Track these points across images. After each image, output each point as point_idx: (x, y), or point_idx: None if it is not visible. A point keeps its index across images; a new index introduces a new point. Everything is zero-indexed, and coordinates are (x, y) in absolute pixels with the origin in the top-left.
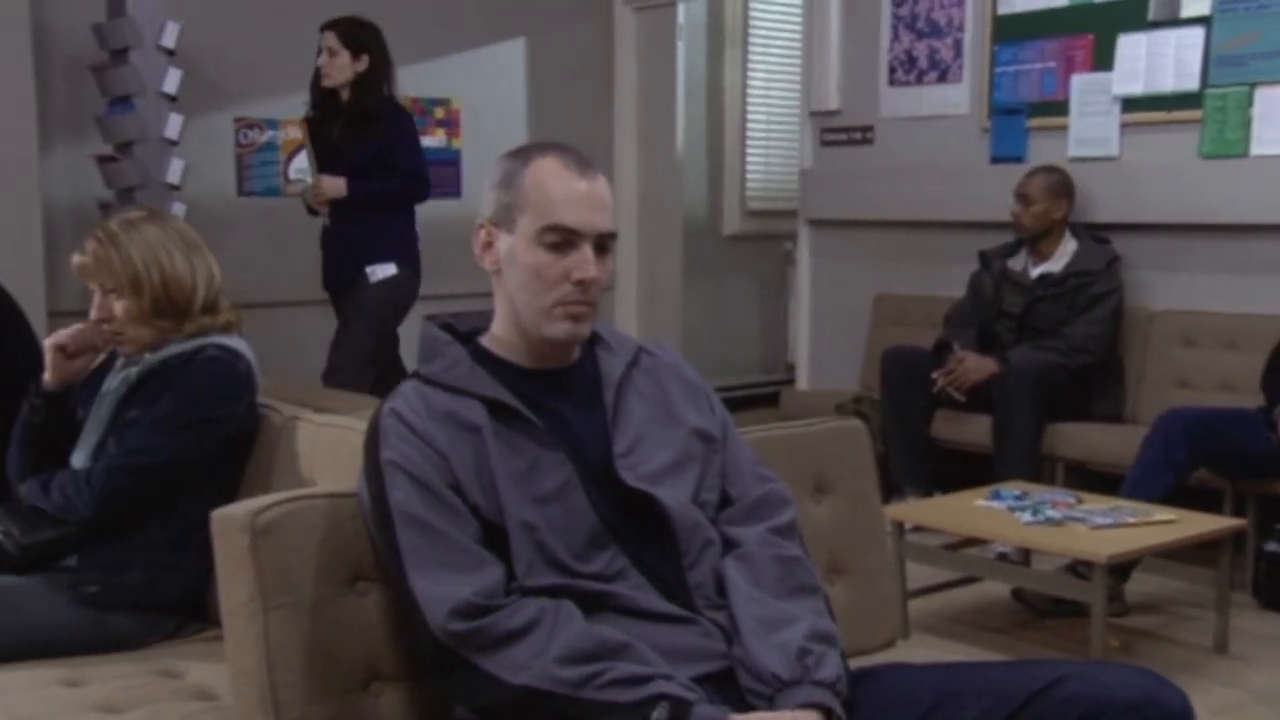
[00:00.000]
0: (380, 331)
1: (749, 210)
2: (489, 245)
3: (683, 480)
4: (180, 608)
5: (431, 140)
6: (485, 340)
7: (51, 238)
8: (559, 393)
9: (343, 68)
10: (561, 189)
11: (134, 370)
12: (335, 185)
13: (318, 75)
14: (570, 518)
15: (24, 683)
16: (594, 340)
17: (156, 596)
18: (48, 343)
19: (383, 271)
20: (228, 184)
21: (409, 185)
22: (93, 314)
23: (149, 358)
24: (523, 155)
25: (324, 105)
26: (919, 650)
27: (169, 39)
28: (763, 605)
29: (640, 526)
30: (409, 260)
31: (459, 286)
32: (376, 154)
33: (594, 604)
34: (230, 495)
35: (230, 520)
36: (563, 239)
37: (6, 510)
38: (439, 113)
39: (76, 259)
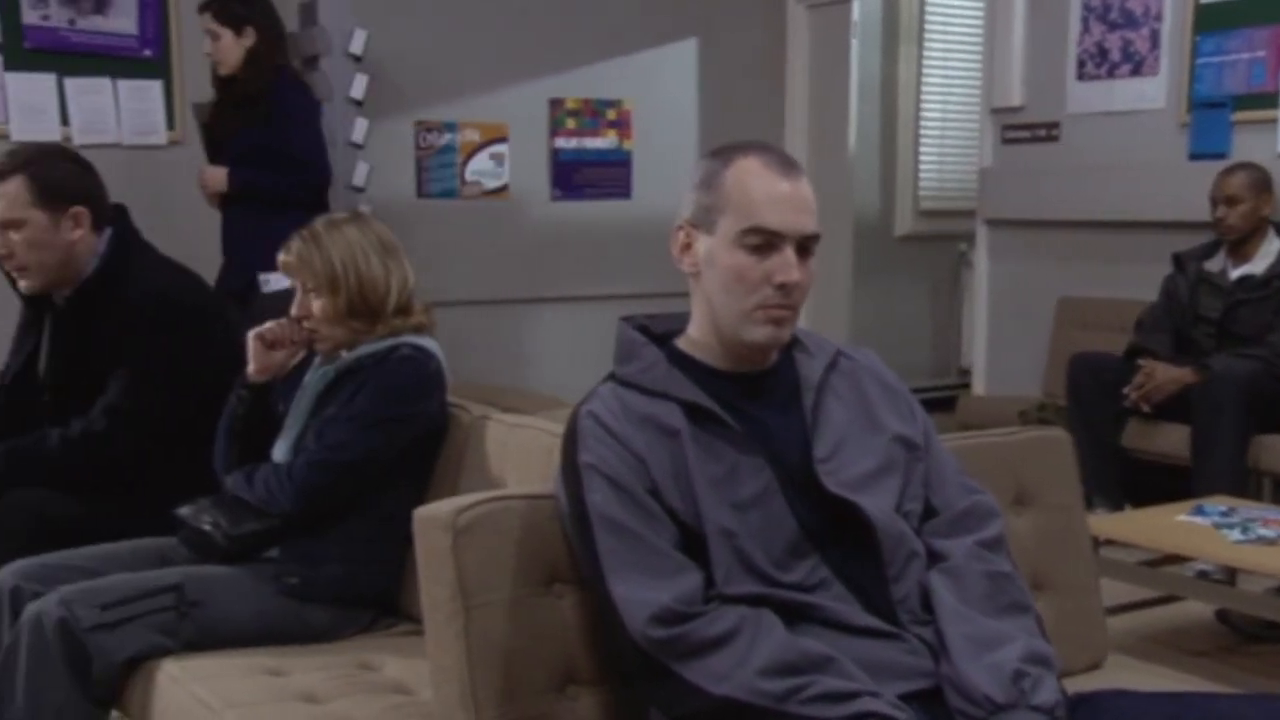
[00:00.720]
0: None
1: (921, 210)
2: (688, 247)
3: (885, 488)
4: (375, 602)
5: (603, 141)
6: (681, 342)
7: None
8: (757, 396)
9: (229, 49)
10: (764, 190)
11: (331, 367)
12: (215, 177)
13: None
14: (770, 525)
15: (232, 670)
16: (791, 343)
17: (353, 590)
18: (250, 334)
19: (277, 283)
20: (408, 186)
21: (301, 176)
22: (293, 310)
23: (346, 355)
24: (724, 155)
25: (226, 93)
26: (1118, 673)
27: (357, 46)
28: (972, 623)
29: (842, 536)
30: None
31: (632, 287)
32: (263, 140)
33: (795, 615)
34: (422, 492)
35: (432, 519)
36: (764, 241)
37: (214, 502)
38: (610, 114)
39: (282, 257)
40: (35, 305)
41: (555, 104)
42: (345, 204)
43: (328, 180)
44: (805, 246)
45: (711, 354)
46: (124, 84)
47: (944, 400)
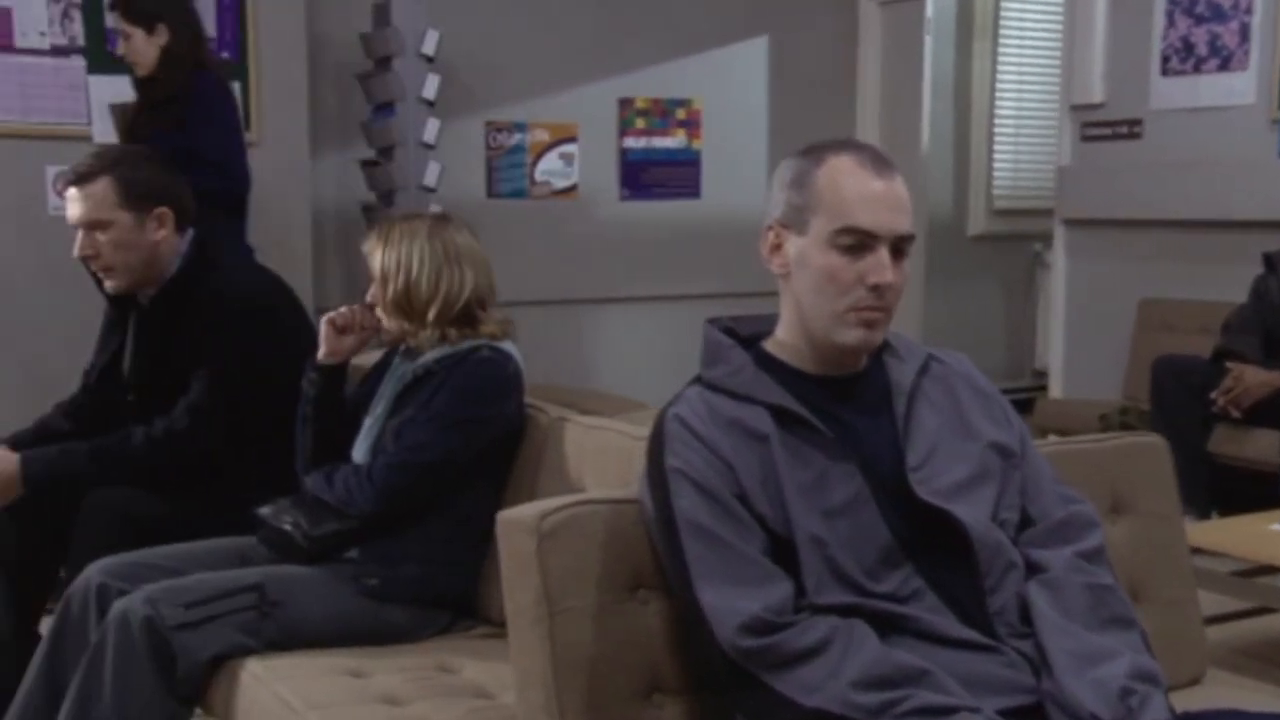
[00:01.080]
0: None
1: (995, 210)
2: (777, 248)
3: (980, 497)
4: (453, 603)
5: (672, 141)
6: (769, 345)
7: (317, 238)
8: (846, 401)
9: (142, 49)
10: (857, 189)
11: (409, 368)
12: None
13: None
14: (861, 533)
15: (313, 670)
16: (881, 347)
17: (430, 591)
18: (323, 319)
19: None
20: (478, 186)
21: (214, 181)
22: (367, 296)
23: (424, 357)
24: (815, 154)
25: (144, 94)
26: (1220, 689)
27: (429, 46)
28: (1075, 637)
29: (935, 545)
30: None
31: (701, 287)
32: (179, 142)
33: (888, 626)
34: (499, 494)
35: (516, 523)
36: (858, 241)
37: (293, 502)
38: (680, 113)
39: (364, 245)
40: (120, 304)
41: (624, 103)
42: (417, 204)
43: (245, 184)
44: (899, 247)
45: (800, 357)
46: None
47: (1019, 403)
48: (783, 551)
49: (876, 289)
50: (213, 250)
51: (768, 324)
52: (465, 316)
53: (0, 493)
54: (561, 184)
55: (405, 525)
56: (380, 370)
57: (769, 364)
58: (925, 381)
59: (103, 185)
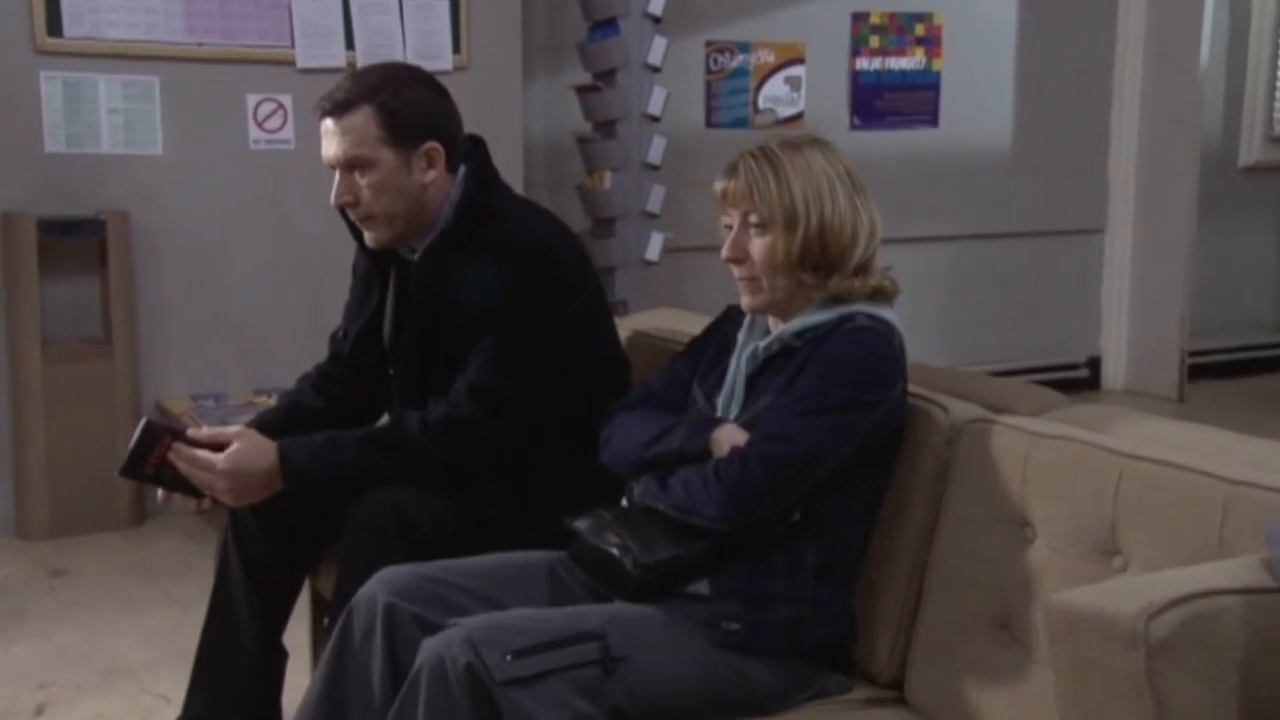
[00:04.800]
0: None
1: (1273, 136)
2: None
3: None
4: (824, 656)
5: (909, 61)
6: None
7: (527, 173)
8: None
9: None
10: None
11: (761, 344)
12: None
13: None
14: None
15: None
16: None
17: (804, 642)
18: None
19: None
20: (696, 114)
21: None
22: (724, 252)
23: (779, 330)
24: None
25: None
26: None
27: None
28: None
29: None
30: None
31: (938, 228)
32: None
33: None
34: (875, 509)
35: (1097, 621)
36: None
37: (617, 517)
38: (919, 29)
39: (720, 184)
40: (377, 255)
41: (858, 19)
42: (638, 134)
43: None
44: None
45: None
46: (410, 1)
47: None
48: None
49: None
50: (493, 192)
51: None
52: (867, 264)
53: (260, 488)
54: (786, 112)
55: (768, 549)
56: (717, 348)
57: None
58: None
59: (364, 116)
